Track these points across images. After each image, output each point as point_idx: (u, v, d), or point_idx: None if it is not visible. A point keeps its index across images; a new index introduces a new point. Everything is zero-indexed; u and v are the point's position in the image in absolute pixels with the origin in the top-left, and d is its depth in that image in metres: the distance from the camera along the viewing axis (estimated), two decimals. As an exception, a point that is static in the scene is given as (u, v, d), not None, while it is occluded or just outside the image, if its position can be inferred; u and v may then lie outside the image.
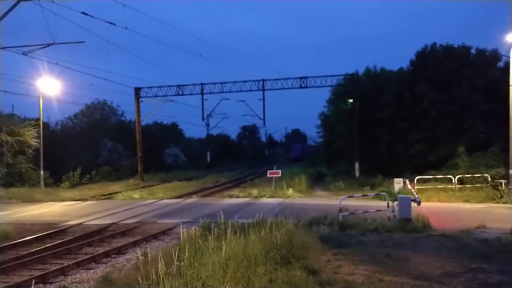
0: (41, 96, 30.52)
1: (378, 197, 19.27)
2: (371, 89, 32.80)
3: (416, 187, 20.96)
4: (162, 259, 5.15)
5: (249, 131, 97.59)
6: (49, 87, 30.25)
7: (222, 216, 8.63)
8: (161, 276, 4.96)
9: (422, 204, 16.69)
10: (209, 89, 36.60)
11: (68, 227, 14.73)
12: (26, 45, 21.33)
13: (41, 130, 30.46)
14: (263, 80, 35.09)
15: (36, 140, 30.48)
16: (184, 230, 8.55)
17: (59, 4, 18.08)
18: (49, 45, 20.94)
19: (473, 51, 29.51)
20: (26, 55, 21.18)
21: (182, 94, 37.11)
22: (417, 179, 22.03)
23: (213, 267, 5.32)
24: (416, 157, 27.47)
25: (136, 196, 25.18)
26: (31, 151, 30.68)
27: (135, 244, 12.03)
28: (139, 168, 36.45)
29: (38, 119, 31.25)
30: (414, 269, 8.31)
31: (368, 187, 24.54)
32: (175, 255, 5.45)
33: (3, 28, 19.57)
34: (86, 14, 18.59)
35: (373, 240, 11.00)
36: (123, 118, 51.41)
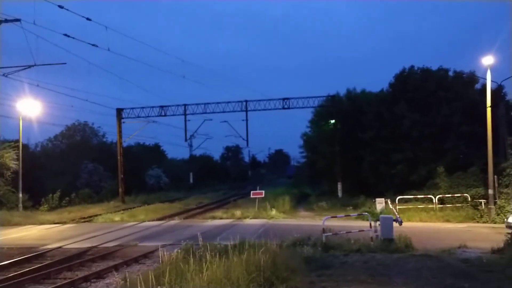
0: (21, 118, 30.08)
1: (360, 217, 19.38)
2: (352, 110, 33.30)
3: (397, 207, 21.15)
4: (143, 283, 5.07)
5: (233, 152, 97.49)
6: (30, 109, 29.86)
7: (201, 239, 8.51)
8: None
9: (404, 224, 16.82)
10: (192, 110, 36.68)
11: (47, 251, 14.38)
12: (7, 67, 21.19)
13: (21, 152, 29.89)
14: (246, 101, 35.36)
15: (15, 162, 29.90)
16: (166, 253, 8.43)
17: (41, 26, 18.05)
18: (30, 66, 20.82)
19: (450, 73, 30.27)
20: (6, 76, 20.97)
21: (165, 115, 37.09)
22: (399, 199, 22.24)
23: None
24: (397, 177, 27.77)
25: (117, 218, 24.78)
26: (9, 173, 30.03)
27: (115, 268, 11.79)
28: (120, 190, 35.92)
29: (17, 141, 30.69)
30: (397, 289, 8.32)
31: (351, 207, 24.67)
32: (154, 280, 5.37)
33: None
34: (68, 36, 18.57)
35: (357, 261, 11.01)
36: (104, 140, 50.90)
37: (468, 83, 29.42)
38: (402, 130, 28.21)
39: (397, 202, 21.73)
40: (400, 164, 27.78)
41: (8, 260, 12.71)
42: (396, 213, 18.99)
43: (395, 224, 14.05)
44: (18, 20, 19.03)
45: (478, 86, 28.81)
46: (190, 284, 5.52)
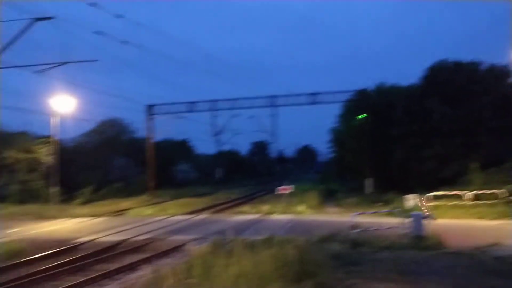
0: (54, 114, 30.97)
1: (390, 214, 19.06)
2: (381, 104, 32.76)
3: (429, 203, 20.74)
4: (174, 275, 5.18)
5: (260, 147, 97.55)
6: (62, 105, 30.70)
7: (236, 231, 8.59)
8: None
9: (435, 221, 16.51)
10: (220, 106, 36.96)
11: (81, 244, 14.80)
12: (41, 64, 21.81)
13: (55, 147, 30.83)
14: (274, 96, 35.29)
15: (49, 157, 30.83)
16: (195, 247, 8.55)
17: (73, 23, 18.50)
18: (63, 63, 21.37)
19: (483, 66, 29.46)
20: (40, 73, 21.61)
21: (193, 111, 37.49)
22: (430, 196, 21.80)
23: (224, 284, 5.31)
24: (428, 173, 27.21)
25: (148, 212, 25.24)
26: (44, 168, 31.01)
27: (146, 260, 12.05)
28: (150, 184, 36.60)
29: (50, 137, 31.66)
30: (429, 287, 8.18)
31: (380, 204, 24.32)
32: (185, 272, 5.48)
33: (18, 47, 20.01)
34: (100, 33, 18.99)
35: (386, 258, 10.84)
36: (134, 135, 51.87)
37: (500, 76, 28.57)
38: (432, 125, 27.63)
39: (428, 198, 21.30)
40: (431, 160, 27.21)
41: (43, 253, 13.17)
42: (428, 210, 18.66)
43: (426, 221, 13.79)
44: (50, 18, 19.55)
45: (511, 80, 27.96)
46: (218, 278, 5.58)
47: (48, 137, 32.20)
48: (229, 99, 36.47)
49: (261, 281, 6.15)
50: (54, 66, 21.70)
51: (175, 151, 55.81)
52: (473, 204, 21.52)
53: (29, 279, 10.19)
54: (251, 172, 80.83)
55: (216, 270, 6.08)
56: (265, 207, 24.60)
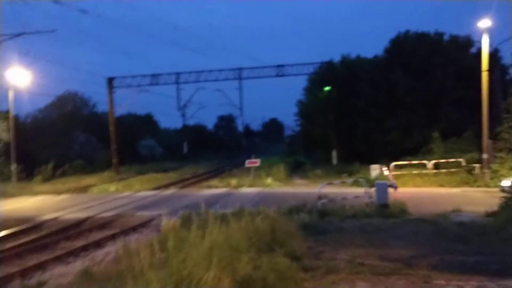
0: (11, 87, 29.54)
1: (356, 184, 19.49)
2: (347, 76, 33.02)
3: (392, 173, 21.29)
4: (145, 249, 5.08)
5: (226, 121, 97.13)
6: (20, 78, 29.30)
7: (205, 205, 8.53)
8: (145, 267, 4.88)
9: (399, 189, 16.99)
10: (185, 79, 36.21)
11: (44, 222, 14.37)
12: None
13: (11, 122, 29.54)
14: (240, 68, 34.89)
15: (6, 133, 29.58)
16: (165, 221, 8.42)
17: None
18: (19, 34, 20.29)
19: (446, 37, 30.00)
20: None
21: (157, 84, 36.58)
22: (393, 165, 22.37)
23: (198, 256, 5.25)
24: (392, 144, 27.86)
25: (112, 189, 24.78)
26: (1, 145, 29.78)
27: (113, 237, 11.83)
28: (113, 160, 35.79)
29: (7, 112, 30.28)
30: (394, 252, 8.41)
31: (346, 174, 24.81)
32: (157, 245, 5.40)
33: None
34: (58, 2, 18.04)
35: (353, 226, 11.10)
36: (95, 110, 50.35)
37: (463, 47, 29.23)
38: (396, 97, 28.12)
39: (391, 168, 21.85)
40: (394, 130, 27.82)
41: (6, 231, 12.71)
42: (391, 179, 19.16)
43: (390, 190, 14.14)
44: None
45: (473, 50, 28.62)
46: (192, 250, 5.51)
47: (5, 112, 30.79)
48: (194, 72, 35.77)
49: (234, 252, 6.16)
50: (11, 38, 20.58)
51: (139, 126, 54.70)
52: (434, 172, 22.26)
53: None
54: (218, 147, 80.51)
55: (188, 243, 6.02)
56: (233, 181, 24.62)
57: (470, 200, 15.57)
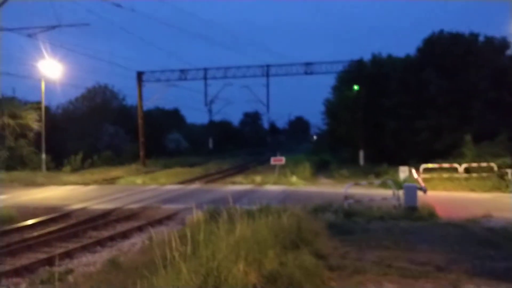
0: (43, 79, 30.31)
1: (383, 185, 19.11)
2: (377, 76, 32.47)
3: (421, 175, 20.82)
4: (174, 241, 5.13)
5: (252, 118, 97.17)
6: (52, 70, 30.01)
7: (231, 200, 8.51)
8: (176, 257, 4.94)
9: (428, 192, 16.58)
10: (213, 74, 36.32)
11: (72, 211, 14.67)
12: (30, 27, 21.16)
13: (43, 113, 30.32)
14: (268, 65, 34.74)
15: (37, 124, 30.37)
16: (189, 215, 8.45)
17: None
18: (54, 27, 20.74)
19: (481, 38, 29.17)
20: (30, 37, 20.96)
21: (185, 79, 36.78)
22: (423, 168, 21.88)
23: (226, 249, 5.27)
24: (421, 145, 27.22)
25: (139, 181, 25.12)
26: (32, 134, 30.59)
27: (139, 228, 11.98)
28: (141, 153, 36.30)
29: (39, 103, 31.08)
30: (422, 255, 8.21)
31: (373, 175, 24.40)
32: (187, 237, 5.46)
33: (9, 10, 19.31)
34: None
35: (379, 228, 10.90)
36: (124, 103, 51.21)
37: (498, 49, 28.33)
38: (427, 97, 27.47)
39: (421, 170, 21.37)
40: (424, 131, 27.20)
41: (35, 219, 13.02)
42: (421, 182, 18.72)
43: (419, 193, 13.82)
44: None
45: (509, 52, 27.77)
46: (220, 243, 5.53)
47: (37, 103, 31.62)
48: (221, 68, 35.84)
49: (260, 247, 6.14)
50: (45, 30, 21.07)
51: (166, 120, 55.32)
52: (465, 177, 21.65)
53: (22, 245, 10.07)
54: (243, 143, 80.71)
55: (216, 236, 6.03)
56: (258, 178, 24.56)
57: (502, 206, 15.07)
